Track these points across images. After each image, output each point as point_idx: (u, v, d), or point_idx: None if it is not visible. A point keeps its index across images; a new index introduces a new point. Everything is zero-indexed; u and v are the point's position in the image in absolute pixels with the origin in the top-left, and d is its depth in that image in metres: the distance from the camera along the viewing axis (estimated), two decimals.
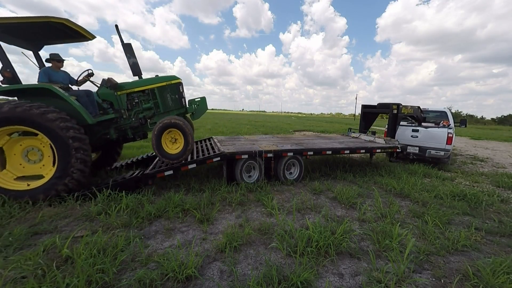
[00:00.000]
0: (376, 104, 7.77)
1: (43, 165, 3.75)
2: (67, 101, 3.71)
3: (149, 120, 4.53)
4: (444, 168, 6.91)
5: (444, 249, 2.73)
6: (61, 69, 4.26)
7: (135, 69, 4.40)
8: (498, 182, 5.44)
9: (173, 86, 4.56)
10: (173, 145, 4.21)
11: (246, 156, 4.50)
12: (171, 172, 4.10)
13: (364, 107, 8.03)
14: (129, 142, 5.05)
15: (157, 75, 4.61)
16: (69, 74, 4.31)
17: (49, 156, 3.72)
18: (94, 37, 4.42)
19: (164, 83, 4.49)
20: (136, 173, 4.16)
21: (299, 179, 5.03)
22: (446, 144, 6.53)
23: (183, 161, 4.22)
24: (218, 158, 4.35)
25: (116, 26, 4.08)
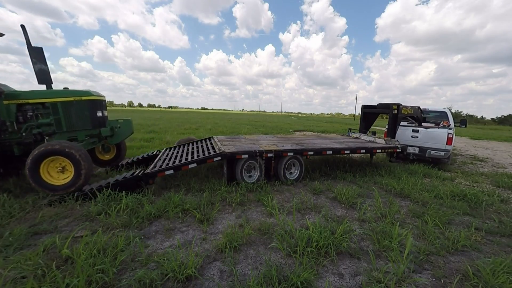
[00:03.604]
0: (376, 104, 7.77)
1: None
2: None
3: (46, 138, 3.94)
4: (444, 168, 6.91)
5: (444, 249, 2.73)
6: None
7: (42, 76, 3.90)
8: (498, 182, 5.44)
9: (84, 103, 4.04)
10: (59, 175, 3.60)
11: (247, 156, 4.50)
12: (171, 171, 4.10)
13: (364, 107, 8.02)
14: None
15: (66, 88, 4.13)
16: None
17: None
18: (1, 34, 3.96)
19: (71, 98, 3.98)
20: (137, 173, 4.15)
21: (299, 179, 5.03)
22: (446, 144, 6.54)
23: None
24: (219, 158, 4.35)
25: (22, 26, 3.75)
